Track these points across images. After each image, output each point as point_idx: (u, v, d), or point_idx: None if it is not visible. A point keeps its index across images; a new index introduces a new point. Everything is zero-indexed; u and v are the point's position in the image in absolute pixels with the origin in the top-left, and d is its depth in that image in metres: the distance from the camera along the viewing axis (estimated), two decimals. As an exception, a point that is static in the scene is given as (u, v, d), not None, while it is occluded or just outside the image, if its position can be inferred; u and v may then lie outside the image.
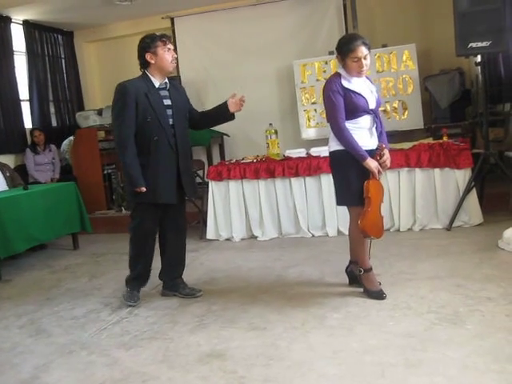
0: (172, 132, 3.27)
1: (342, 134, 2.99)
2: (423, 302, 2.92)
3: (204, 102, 7.22)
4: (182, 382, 2.32)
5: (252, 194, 4.94)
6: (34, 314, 3.44)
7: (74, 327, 3.13)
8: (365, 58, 2.97)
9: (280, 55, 6.87)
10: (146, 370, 2.46)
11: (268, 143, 5.14)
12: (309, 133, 6.54)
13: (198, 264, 4.28)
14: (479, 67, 4.74)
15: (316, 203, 4.81)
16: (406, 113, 6.16)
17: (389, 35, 6.41)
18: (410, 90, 6.11)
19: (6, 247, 4.40)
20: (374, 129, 3.10)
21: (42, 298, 3.78)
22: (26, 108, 6.97)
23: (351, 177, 3.03)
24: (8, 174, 5.49)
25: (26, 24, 7.03)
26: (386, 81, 6.18)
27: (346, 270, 3.34)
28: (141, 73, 3.32)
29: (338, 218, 4.70)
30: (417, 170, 4.55)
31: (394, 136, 5.47)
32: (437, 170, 4.52)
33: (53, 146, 6.71)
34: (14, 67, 6.74)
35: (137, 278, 3.45)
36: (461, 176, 4.49)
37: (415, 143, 4.80)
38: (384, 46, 6.21)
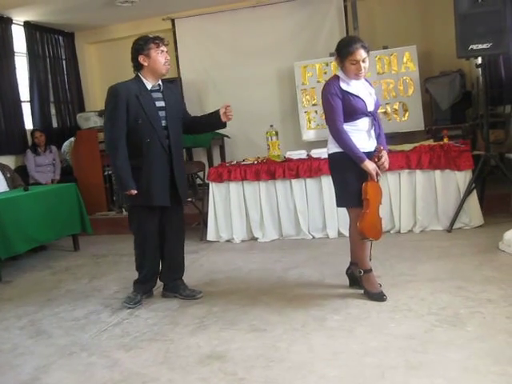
0: (165, 134, 3.25)
1: (340, 137, 3.00)
2: (424, 304, 2.92)
3: (204, 103, 7.25)
4: (182, 384, 2.32)
5: (252, 195, 4.94)
6: (34, 315, 3.44)
7: (74, 328, 3.13)
8: (363, 61, 2.97)
9: (281, 57, 6.88)
10: (146, 371, 2.46)
11: (268, 145, 5.14)
12: (309, 134, 6.55)
13: (198, 265, 4.28)
14: (480, 69, 4.74)
15: (316, 205, 4.80)
16: (407, 114, 6.18)
17: (389, 37, 6.43)
18: (410, 91, 6.12)
19: (7, 248, 4.40)
20: (372, 131, 3.11)
21: (43, 299, 3.78)
22: (26, 109, 6.97)
23: (350, 178, 3.04)
24: (8, 175, 5.48)
25: (27, 25, 7.02)
26: (387, 82, 6.19)
27: (347, 272, 3.34)
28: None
29: (339, 220, 4.70)
30: (417, 171, 4.55)
31: (395, 138, 5.48)
32: (437, 172, 4.52)
33: (53, 147, 6.72)
34: (14, 68, 6.74)
35: (142, 282, 3.46)
36: (461, 178, 4.49)
37: (416, 145, 4.80)
38: (385, 47, 6.23)
